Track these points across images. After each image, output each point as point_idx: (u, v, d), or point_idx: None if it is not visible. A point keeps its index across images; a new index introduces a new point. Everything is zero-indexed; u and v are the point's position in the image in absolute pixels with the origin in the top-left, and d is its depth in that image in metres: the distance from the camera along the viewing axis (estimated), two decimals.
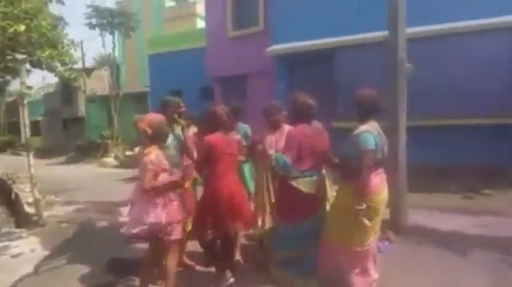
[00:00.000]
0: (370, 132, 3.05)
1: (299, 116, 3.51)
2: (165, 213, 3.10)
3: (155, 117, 3.32)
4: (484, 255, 4.08)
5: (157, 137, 3.22)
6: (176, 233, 3.19)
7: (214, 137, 3.43)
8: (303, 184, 3.32)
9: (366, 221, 3.01)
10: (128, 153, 13.69)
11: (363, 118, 3.17)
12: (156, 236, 3.13)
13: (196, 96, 11.97)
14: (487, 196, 6.34)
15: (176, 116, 3.84)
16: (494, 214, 5.46)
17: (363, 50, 7.47)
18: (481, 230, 4.71)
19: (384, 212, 3.27)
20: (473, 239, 4.49)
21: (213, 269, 3.70)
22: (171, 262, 3.25)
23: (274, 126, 3.96)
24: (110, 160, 14.68)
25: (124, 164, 13.38)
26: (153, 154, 3.10)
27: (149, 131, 3.16)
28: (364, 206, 2.97)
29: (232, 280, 3.51)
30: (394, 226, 4.80)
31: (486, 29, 6.65)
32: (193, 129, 3.98)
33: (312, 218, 3.37)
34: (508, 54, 6.52)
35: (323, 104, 3.85)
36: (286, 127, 3.86)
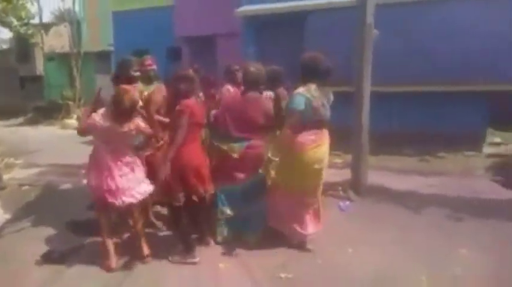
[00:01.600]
0: (301, 94, 3.33)
1: (247, 84, 3.71)
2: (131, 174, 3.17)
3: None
4: (434, 211, 4.43)
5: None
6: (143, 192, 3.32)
7: (193, 105, 3.35)
8: (232, 149, 3.56)
9: (272, 172, 3.65)
10: None
11: (303, 80, 3.42)
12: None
13: (163, 57, 11.57)
14: (441, 159, 6.76)
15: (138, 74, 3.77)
16: (446, 174, 5.87)
17: (334, 14, 7.40)
18: (432, 190, 5.09)
19: (321, 169, 3.48)
20: (425, 197, 4.87)
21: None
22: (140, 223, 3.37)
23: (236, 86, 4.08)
24: (72, 121, 14.12)
25: None
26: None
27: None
28: (277, 159, 3.62)
29: (197, 259, 3.44)
30: (355, 186, 5.06)
31: None
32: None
33: (249, 179, 3.62)
34: (471, 22, 6.70)
35: (292, 69, 3.90)
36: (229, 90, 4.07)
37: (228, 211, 3.66)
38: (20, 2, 4.54)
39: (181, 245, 3.49)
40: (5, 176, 6.14)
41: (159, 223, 4.12)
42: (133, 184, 3.28)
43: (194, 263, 3.38)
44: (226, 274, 3.25)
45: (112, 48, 15.52)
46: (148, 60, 4.04)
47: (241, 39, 9.04)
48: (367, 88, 5.03)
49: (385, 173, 5.84)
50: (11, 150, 8.30)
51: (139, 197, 3.33)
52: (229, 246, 3.64)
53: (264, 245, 3.61)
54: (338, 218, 4.34)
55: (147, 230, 3.75)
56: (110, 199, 3.19)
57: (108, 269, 3.30)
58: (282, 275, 3.18)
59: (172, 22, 11.30)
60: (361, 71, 4.97)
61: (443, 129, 7.05)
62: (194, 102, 3.41)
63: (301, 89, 3.36)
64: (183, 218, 3.48)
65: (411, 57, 6.98)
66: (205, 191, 3.48)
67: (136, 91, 3.56)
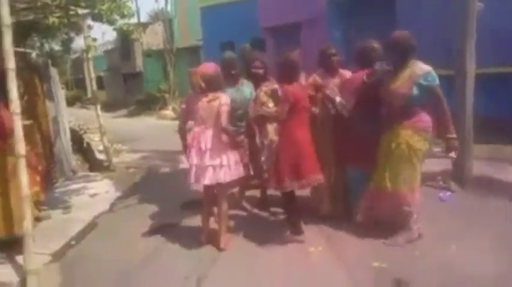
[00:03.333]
0: None
1: (364, 60, 3.50)
2: (230, 154, 3.33)
3: (207, 69, 3.38)
4: None
5: (211, 89, 3.32)
6: (236, 174, 3.42)
7: (296, 91, 3.38)
8: None
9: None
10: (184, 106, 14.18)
11: (406, 60, 3.22)
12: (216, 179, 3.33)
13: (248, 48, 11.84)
14: None
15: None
16: None
17: None
18: None
19: None
20: None
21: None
22: (226, 201, 3.50)
23: (332, 71, 3.83)
24: (168, 112, 15.31)
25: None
26: (223, 97, 3.26)
27: (202, 83, 3.27)
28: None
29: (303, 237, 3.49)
30: (457, 176, 4.63)
31: None
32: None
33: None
34: None
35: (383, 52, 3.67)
36: (345, 72, 3.76)
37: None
38: (123, 0, 5.04)
39: (289, 226, 3.56)
40: (114, 160, 6.89)
41: (248, 206, 4.27)
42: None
43: (301, 241, 3.44)
44: (316, 258, 3.24)
45: (200, 43, 16.34)
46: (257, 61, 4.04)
47: (327, 23, 8.80)
48: (471, 70, 4.54)
49: (492, 163, 5.22)
50: (118, 138, 9.27)
51: (227, 178, 3.37)
52: (321, 231, 3.62)
53: (359, 233, 3.51)
54: (438, 210, 4.02)
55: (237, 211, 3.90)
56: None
57: (200, 243, 3.52)
58: (375, 264, 3.06)
59: (256, 13, 11.48)
60: (464, 51, 4.50)
61: None
62: (297, 88, 3.42)
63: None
64: (294, 201, 3.52)
65: None
66: (314, 180, 3.44)
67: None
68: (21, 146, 2.94)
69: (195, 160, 3.37)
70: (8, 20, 2.90)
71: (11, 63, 2.92)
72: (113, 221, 4.38)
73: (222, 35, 13.07)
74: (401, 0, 7.35)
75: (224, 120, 3.24)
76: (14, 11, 2.95)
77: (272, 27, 11.21)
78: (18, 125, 2.97)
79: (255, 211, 4.24)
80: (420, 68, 3.17)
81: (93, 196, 5.19)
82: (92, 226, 4.18)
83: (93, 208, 4.67)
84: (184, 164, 6.64)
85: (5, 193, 3.28)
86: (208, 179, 3.32)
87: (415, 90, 3.14)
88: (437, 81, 3.15)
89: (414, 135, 3.20)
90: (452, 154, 3.31)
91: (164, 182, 5.77)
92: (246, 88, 4.02)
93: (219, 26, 13.95)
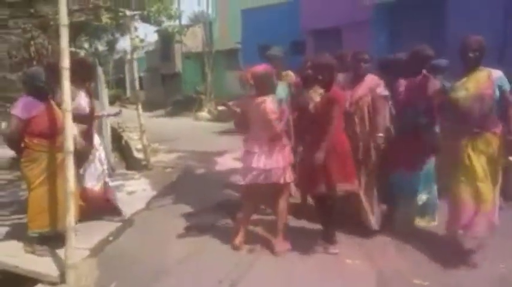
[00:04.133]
0: None
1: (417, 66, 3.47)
2: (281, 156, 3.29)
3: (259, 68, 3.38)
4: None
5: (262, 89, 3.30)
6: (289, 176, 3.38)
7: (341, 93, 3.35)
8: None
9: None
10: (220, 108, 14.33)
11: (472, 66, 3.13)
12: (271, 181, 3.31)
13: (288, 51, 11.80)
14: None
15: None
16: None
17: None
18: None
19: None
20: None
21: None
22: (284, 204, 3.46)
23: (358, 77, 3.64)
24: (204, 114, 15.56)
25: (216, 118, 14.09)
26: (270, 101, 3.26)
27: (252, 82, 3.25)
28: None
29: (337, 250, 3.40)
30: (506, 192, 4.33)
31: None
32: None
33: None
34: None
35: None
36: (371, 78, 3.62)
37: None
38: (169, 1, 5.22)
39: (325, 235, 3.48)
40: (152, 159, 7.05)
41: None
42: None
43: (335, 254, 3.35)
44: (352, 270, 3.14)
45: (239, 46, 16.48)
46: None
47: (371, 27, 8.58)
48: None
49: None
50: (156, 137, 9.48)
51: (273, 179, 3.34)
52: (360, 243, 3.51)
53: (403, 248, 3.37)
54: None
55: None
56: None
57: (234, 247, 3.49)
58: (416, 281, 2.91)
59: (298, 17, 11.40)
60: None
61: None
62: (341, 91, 3.38)
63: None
64: (330, 210, 3.44)
65: None
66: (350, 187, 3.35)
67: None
68: (70, 143, 3.04)
69: (253, 163, 3.33)
70: (65, 20, 3.01)
71: (65, 62, 3.00)
72: (150, 219, 4.44)
73: (261, 38, 13.10)
74: (451, 4, 7.03)
75: (276, 126, 3.27)
76: (68, 12, 3.05)
77: (313, 30, 11.10)
78: (69, 122, 3.07)
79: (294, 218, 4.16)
80: (494, 71, 3.06)
81: (130, 193, 5.31)
82: (129, 223, 4.27)
83: (131, 205, 4.75)
84: (219, 166, 6.78)
85: (52, 188, 3.40)
86: (269, 178, 3.30)
87: (497, 93, 3.03)
88: (509, 86, 3.05)
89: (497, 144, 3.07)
90: None
91: (200, 182, 5.84)
92: (280, 89, 3.94)
93: (259, 29, 13.98)
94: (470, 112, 3.07)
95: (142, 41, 6.40)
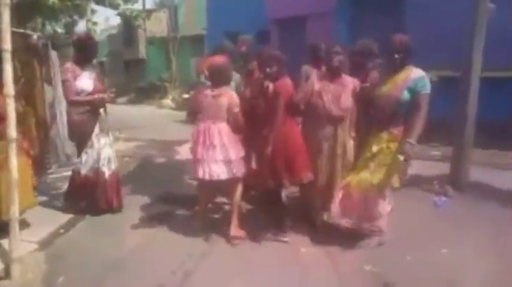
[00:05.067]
0: None
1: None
2: (233, 150, 3.30)
3: (216, 61, 3.34)
4: None
5: (217, 81, 3.28)
6: (241, 170, 3.37)
7: (286, 85, 3.35)
8: None
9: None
10: (185, 96, 14.09)
11: (404, 63, 3.15)
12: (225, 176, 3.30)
13: (254, 40, 11.71)
14: None
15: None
16: None
17: None
18: None
19: None
20: None
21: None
22: (238, 194, 3.47)
23: (333, 75, 3.46)
24: (168, 101, 15.24)
25: (180, 106, 13.84)
26: (232, 94, 3.28)
27: (207, 73, 3.22)
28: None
29: (287, 239, 3.45)
30: (454, 181, 4.58)
31: None
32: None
33: None
34: None
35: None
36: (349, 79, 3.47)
37: None
38: None
39: (275, 223, 3.53)
40: None
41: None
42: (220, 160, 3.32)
43: (285, 242, 3.39)
44: (308, 258, 3.20)
45: (205, 32, 16.17)
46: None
47: (333, 18, 8.67)
48: (476, 73, 4.46)
49: (490, 169, 5.18)
50: (117, 125, 9.18)
51: (226, 175, 3.34)
52: (312, 233, 3.56)
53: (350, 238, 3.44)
54: (433, 215, 3.99)
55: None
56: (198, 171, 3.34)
57: (190, 237, 3.48)
58: (367, 267, 3.01)
59: (263, 5, 11.30)
60: (471, 52, 4.41)
61: None
62: (287, 83, 3.37)
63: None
64: (278, 201, 3.49)
65: None
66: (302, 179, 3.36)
67: None
68: (12, 130, 2.87)
69: (202, 155, 3.30)
70: None
71: (6, 44, 2.82)
72: None
73: (226, 25, 12.90)
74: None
75: (239, 120, 3.30)
76: None
77: (278, 19, 11.06)
78: (11, 108, 2.88)
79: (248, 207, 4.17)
80: (414, 72, 3.09)
81: None
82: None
83: None
84: (179, 155, 6.65)
85: None
86: (223, 174, 3.28)
87: (405, 95, 3.06)
88: (426, 90, 3.04)
89: (395, 143, 3.12)
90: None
91: (157, 172, 5.72)
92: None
93: (224, 16, 13.77)
94: (380, 110, 3.19)
95: (95, 24, 6.11)
